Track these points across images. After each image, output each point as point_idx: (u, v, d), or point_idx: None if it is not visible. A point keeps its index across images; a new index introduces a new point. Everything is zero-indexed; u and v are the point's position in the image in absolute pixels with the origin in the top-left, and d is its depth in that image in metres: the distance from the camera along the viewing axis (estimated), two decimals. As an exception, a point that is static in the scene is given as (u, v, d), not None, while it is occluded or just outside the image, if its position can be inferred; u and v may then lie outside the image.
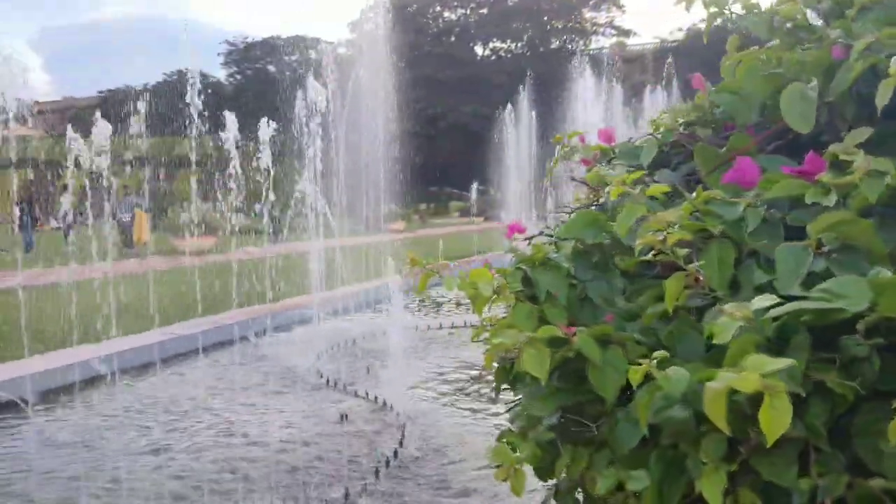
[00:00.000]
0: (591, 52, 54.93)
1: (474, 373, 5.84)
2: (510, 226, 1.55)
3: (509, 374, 1.30)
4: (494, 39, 57.48)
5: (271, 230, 21.98)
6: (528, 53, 56.12)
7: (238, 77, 72.04)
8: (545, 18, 54.94)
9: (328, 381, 5.71)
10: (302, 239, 22.13)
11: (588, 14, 53.81)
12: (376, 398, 5.14)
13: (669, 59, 41.06)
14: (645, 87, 29.76)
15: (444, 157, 51.50)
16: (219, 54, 71.10)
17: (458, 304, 9.70)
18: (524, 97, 26.79)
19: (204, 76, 75.50)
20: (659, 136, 1.50)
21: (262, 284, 8.92)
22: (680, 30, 63.53)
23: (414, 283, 1.41)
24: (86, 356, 5.79)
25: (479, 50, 57.84)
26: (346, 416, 4.79)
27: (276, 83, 67.82)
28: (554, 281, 1.23)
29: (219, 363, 6.60)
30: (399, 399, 5.03)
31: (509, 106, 24.93)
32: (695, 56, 43.70)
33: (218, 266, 12.81)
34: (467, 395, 5.40)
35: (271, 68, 71.81)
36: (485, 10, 57.07)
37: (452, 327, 8.06)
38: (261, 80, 69.10)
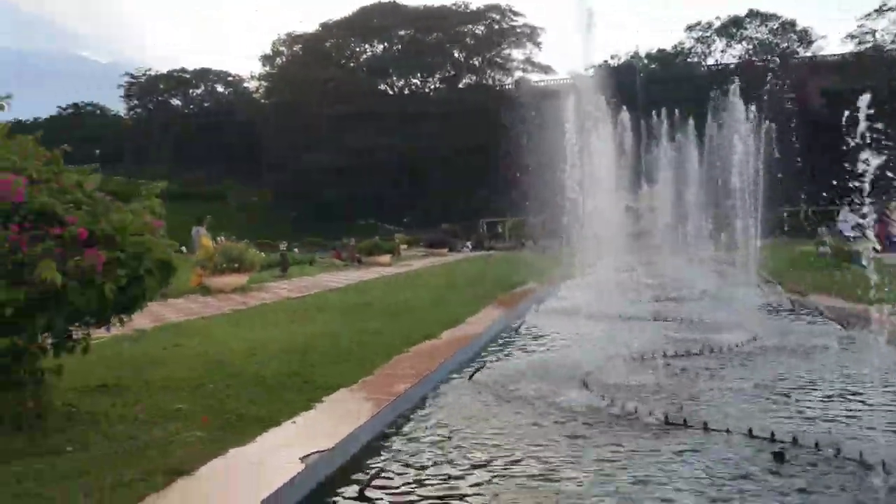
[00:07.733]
0: (508, 87, 55.14)
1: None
2: None
3: None
4: (412, 76, 56.98)
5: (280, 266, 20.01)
6: (445, 88, 55.88)
7: (139, 111, 68.06)
8: (464, 55, 55.00)
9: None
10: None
11: (506, 52, 54.36)
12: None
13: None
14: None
15: (364, 190, 49.85)
16: (119, 86, 67.51)
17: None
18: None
19: (101, 109, 70.73)
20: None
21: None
22: (592, 67, 64.91)
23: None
24: None
25: (399, 84, 57.13)
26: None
27: (182, 115, 64.18)
28: None
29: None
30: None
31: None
32: (604, 91, 44.37)
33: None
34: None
35: (176, 101, 68.10)
36: (399, 46, 56.61)
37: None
38: (164, 113, 65.54)
